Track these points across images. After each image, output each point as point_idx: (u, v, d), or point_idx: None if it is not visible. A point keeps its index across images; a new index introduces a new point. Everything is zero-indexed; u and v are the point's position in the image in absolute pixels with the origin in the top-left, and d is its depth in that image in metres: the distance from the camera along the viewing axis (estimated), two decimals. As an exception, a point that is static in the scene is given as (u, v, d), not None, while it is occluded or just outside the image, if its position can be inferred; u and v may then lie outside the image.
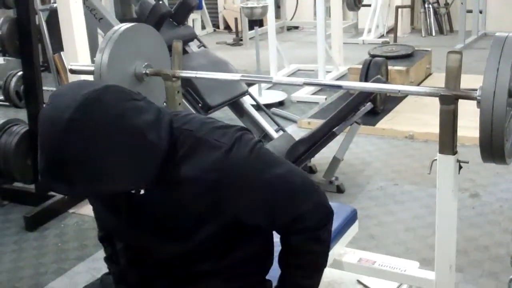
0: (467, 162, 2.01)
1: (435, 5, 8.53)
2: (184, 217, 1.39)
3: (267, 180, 1.39)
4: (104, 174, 1.23)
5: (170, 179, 1.36)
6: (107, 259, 1.68)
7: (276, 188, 1.40)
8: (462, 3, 7.46)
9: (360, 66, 5.14)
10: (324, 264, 1.53)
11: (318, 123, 4.23)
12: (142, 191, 1.38)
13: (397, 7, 8.15)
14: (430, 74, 6.12)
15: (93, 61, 2.68)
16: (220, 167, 1.35)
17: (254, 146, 1.40)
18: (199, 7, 8.65)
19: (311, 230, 1.45)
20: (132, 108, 1.27)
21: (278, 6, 8.95)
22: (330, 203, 1.50)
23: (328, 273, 2.31)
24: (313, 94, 5.81)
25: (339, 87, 3.71)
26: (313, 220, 1.44)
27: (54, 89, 6.29)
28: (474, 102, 1.86)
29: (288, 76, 6.39)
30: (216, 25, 9.85)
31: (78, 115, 1.19)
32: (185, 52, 4.07)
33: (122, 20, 4.00)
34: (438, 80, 5.74)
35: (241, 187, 1.36)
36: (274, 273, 1.58)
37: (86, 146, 1.19)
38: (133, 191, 1.37)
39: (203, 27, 9.47)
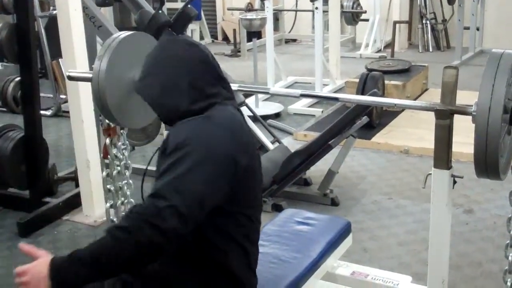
0: (462, 177, 2.02)
1: (433, 21, 8.59)
2: None
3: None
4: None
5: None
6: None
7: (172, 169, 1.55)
8: (459, 20, 7.52)
9: (357, 80, 5.16)
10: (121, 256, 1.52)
11: (314, 135, 4.25)
12: None
13: (395, 22, 8.20)
14: (426, 90, 6.15)
15: (91, 68, 2.67)
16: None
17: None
18: (198, 17, 8.68)
19: (143, 211, 1.51)
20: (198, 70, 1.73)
21: (276, 19, 8.99)
22: (325, 215, 1.51)
23: (321, 285, 2.31)
24: (310, 106, 5.83)
25: (336, 99, 3.73)
26: (152, 211, 1.49)
27: (51, 95, 6.27)
28: (470, 119, 1.87)
29: (285, 88, 6.40)
30: (214, 36, 9.89)
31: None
32: (183, 61, 4.07)
33: (121, 28, 4.01)
34: (434, 96, 5.77)
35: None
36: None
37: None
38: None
39: (202, 38, 9.50)
